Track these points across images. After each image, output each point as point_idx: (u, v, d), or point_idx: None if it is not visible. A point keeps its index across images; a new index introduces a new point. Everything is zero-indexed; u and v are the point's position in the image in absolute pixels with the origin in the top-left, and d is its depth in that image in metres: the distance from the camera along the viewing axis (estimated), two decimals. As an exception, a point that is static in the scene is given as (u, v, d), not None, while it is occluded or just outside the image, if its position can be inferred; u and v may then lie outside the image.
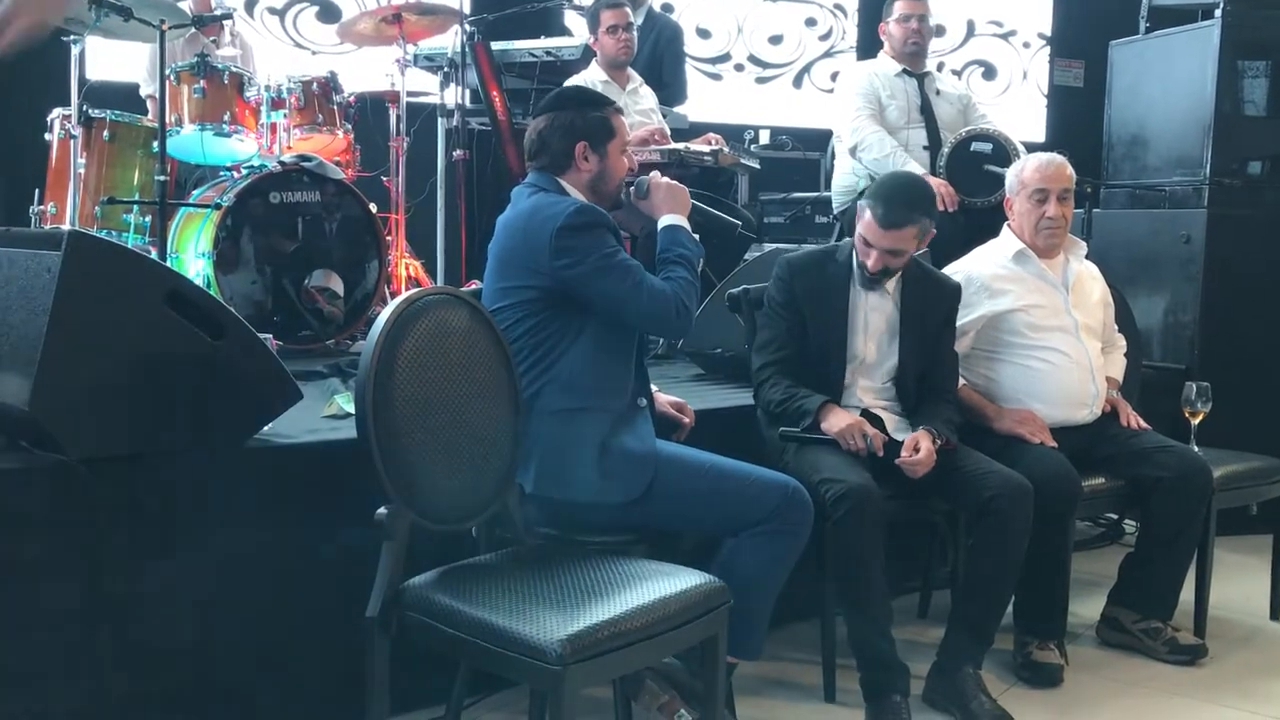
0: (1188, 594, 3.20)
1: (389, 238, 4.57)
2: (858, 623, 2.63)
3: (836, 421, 2.74)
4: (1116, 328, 3.45)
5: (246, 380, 2.35)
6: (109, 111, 4.18)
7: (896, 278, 2.92)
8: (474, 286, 3.17)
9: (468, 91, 4.86)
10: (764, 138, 6.02)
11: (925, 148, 4.33)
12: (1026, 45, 8.02)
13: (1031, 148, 3.77)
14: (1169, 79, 4.79)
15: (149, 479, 2.25)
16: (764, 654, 2.56)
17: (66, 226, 3.90)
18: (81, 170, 4.08)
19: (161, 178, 3.76)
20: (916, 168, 4.18)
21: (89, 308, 2.14)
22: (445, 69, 4.83)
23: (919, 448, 2.70)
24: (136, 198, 4.12)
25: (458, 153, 4.74)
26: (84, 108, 4.09)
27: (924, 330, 2.93)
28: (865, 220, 2.83)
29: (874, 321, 2.91)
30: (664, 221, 2.60)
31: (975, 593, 2.80)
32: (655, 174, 2.67)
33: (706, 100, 6.73)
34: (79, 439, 2.14)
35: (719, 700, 2.14)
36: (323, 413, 2.77)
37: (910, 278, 2.93)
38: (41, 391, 2.10)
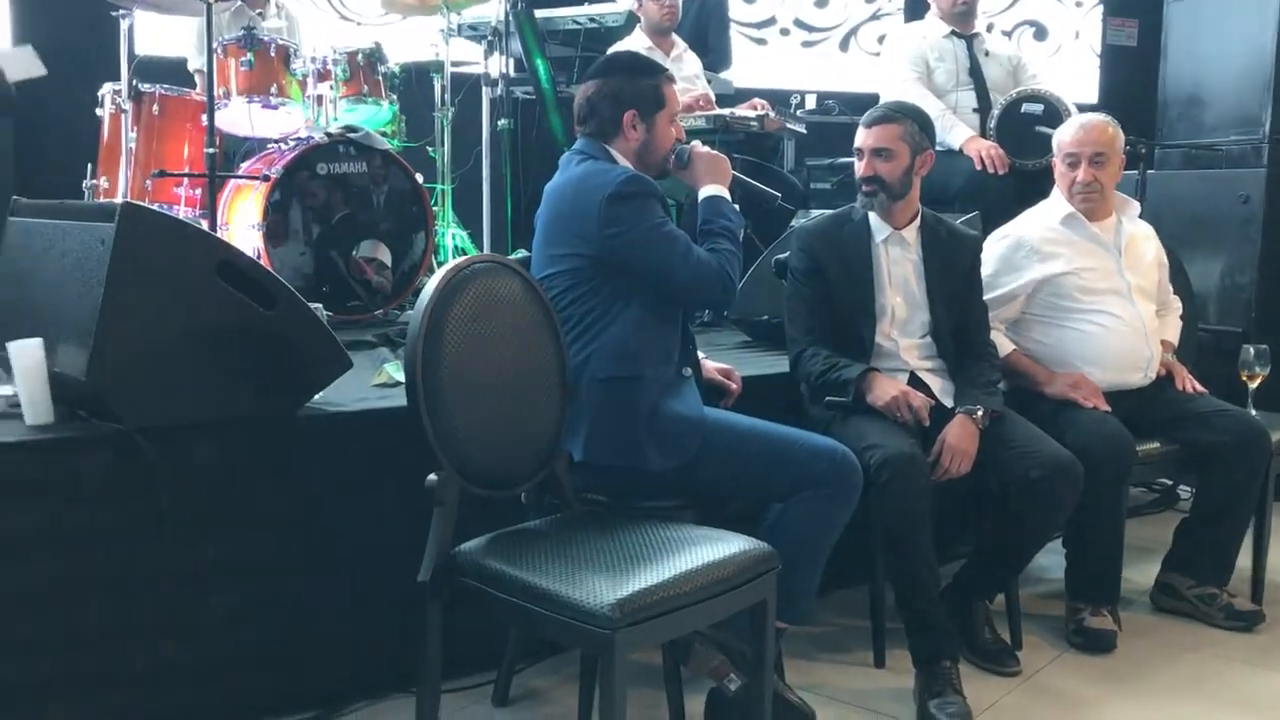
0: (1244, 559, 3.16)
1: (435, 208, 4.59)
2: (905, 589, 2.62)
3: (882, 393, 2.71)
4: (1171, 289, 3.38)
5: (298, 350, 2.38)
6: (158, 85, 4.23)
7: (915, 229, 2.91)
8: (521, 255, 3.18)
9: (512, 60, 4.85)
10: (810, 102, 5.94)
11: (975, 110, 4.26)
12: (1079, 4, 7.85)
13: (1083, 109, 3.70)
14: (1226, 36, 4.67)
15: (204, 447, 2.28)
16: (813, 619, 2.56)
17: (119, 199, 3.95)
18: (132, 144, 4.13)
19: (210, 150, 3.80)
20: (965, 131, 4.12)
21: (142, 279, 2.17)
22: (489, 38, 4.82)
23: (945, 442, 2.67)
24: (186, 170, 4.17)
25: (502, 122, 4.75)
26: (134, 82, 4.13)
27: (949, 280, 2.90)
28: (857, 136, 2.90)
29: (897, 274, 2.88)
30: (705, 192, 2.58)
31: (1005, 550, 2.82)
32: (696, 143, 2.64)
33: (752, 65, 6.66)
34: (134, 408, 2.18)
35: (768, 665, 2.14)
36: (372, 381, 2.80)
37: (929, 229, 2.92)
38: (97, 362, 2.13)
